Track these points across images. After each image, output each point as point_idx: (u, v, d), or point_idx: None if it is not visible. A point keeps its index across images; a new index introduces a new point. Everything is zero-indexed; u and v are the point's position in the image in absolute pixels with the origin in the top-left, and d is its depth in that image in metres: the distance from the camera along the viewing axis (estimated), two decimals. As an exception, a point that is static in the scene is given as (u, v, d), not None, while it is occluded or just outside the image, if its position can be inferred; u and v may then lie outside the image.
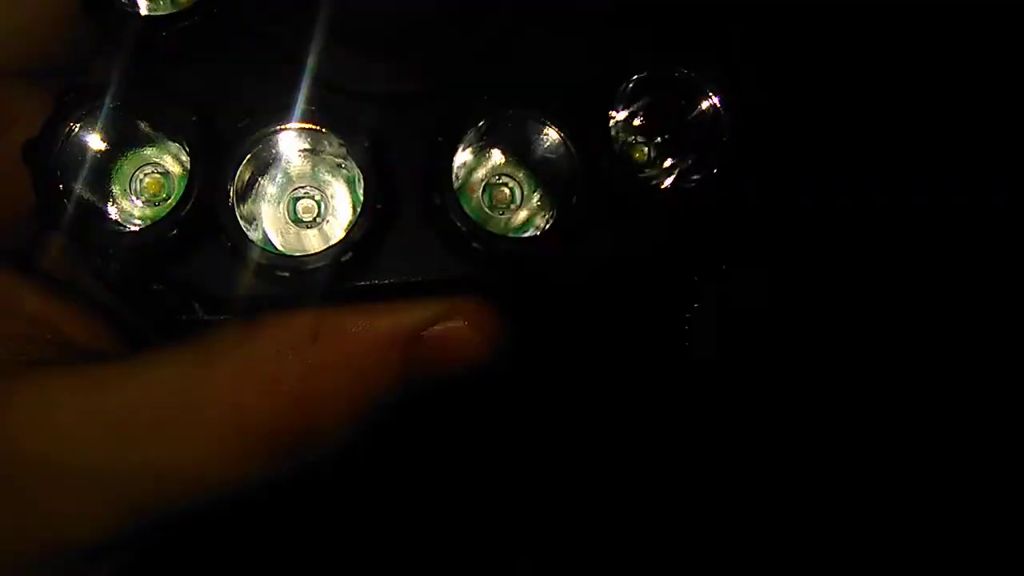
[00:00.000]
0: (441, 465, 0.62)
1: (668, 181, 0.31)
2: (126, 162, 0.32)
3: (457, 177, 0.30)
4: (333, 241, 0.29)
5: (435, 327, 0.33)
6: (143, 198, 0.32)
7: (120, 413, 0.32)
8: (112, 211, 0.32)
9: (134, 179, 0.32)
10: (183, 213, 0.29)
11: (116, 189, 0.32)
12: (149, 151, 0.32)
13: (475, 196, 0.32)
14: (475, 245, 0.30)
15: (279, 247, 0.30)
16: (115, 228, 0.31)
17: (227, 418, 0.32)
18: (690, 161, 0.31)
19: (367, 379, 0.33)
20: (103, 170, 0.31)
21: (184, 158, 0.30)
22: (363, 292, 0.32)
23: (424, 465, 0.62)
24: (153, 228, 0.29)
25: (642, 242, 0.33)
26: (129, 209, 0.32)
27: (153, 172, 0.32)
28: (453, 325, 0.33)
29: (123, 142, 0.31)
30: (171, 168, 0.32)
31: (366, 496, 0.60)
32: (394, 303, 0.33)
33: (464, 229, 0.29)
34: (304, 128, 0.29)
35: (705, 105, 0.31)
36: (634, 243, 0.33)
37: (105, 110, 0.30)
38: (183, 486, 0.33)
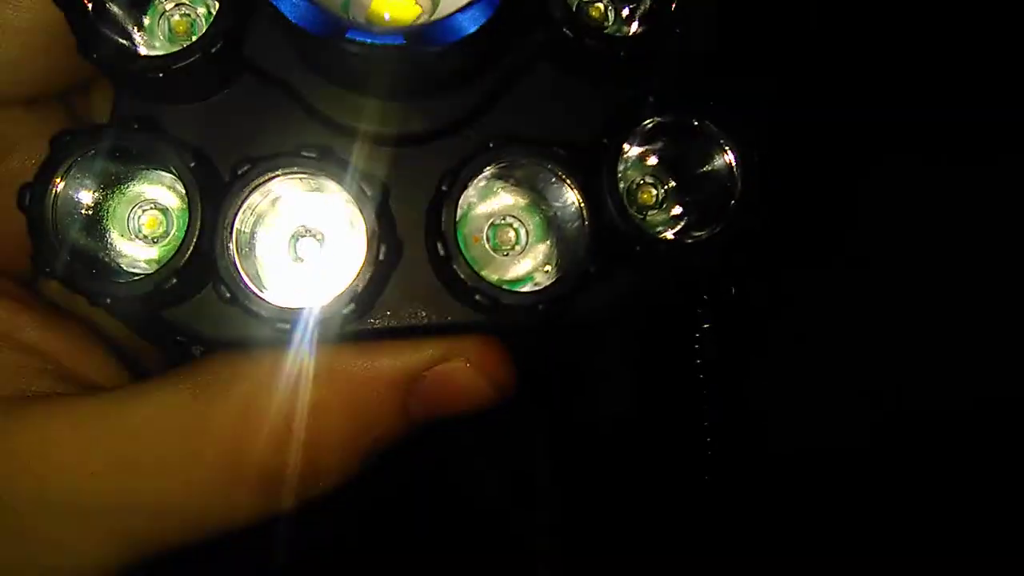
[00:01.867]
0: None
1: (671, 232, 0.30)
2: (122, 201, 0.30)
3: (461, 207, 0.29)
4: (335, 290, 0.28)
5: (437, 368, 0.32)
6: (142, 236, 0.31)
7: (118, 448, 0.32)
8: (111, 254, 0.30)
9: (131, 219, 0.30)
10: (182, 264, 0.28)
11: (114, 231, 0.30)
12: (144, 187, 0.31)
13: (479, 235, 0.31)
14: (477, 298, 0.28)
15: (277, 291, 0.29)
16: (115, 272, 0.30)
17: (223, 454, 0.31)
18: (696, 215, 0.30)
19: (366, 419, 0.32)
20: (99, 213, 0.30)
21: (180, 189, 0.29)
22: (364, 334, 0.31)
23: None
24: (150, 278, 0.28)
25: (646, 283, 0.32)
26: (130, 251, 0.31)
27: (151, 209, 0.31)
28: (455, 366, 0.32)
29: (118, 182, 0.30)
30: (168, 203, 0.31)
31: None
32: (395, 343, 0.32)
33: (467, 280, 0.28)
34: (306, 175, 0.28)
35: (721, 160, 0.30)
36: (637, 285, 0.32)
37: (101, 153, 0.28)
38: (180, 521, 0.33)
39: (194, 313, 0.31)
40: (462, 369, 0.32)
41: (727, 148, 0.29)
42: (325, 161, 0.28)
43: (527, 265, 0.31)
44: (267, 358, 0.32)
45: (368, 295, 0.29)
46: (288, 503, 0.33)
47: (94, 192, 0.30)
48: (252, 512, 0.33)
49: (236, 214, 0.28)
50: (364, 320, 0.31)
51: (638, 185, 0.31)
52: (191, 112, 0.30)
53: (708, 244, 0.29)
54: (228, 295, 0.28)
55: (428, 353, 0.32)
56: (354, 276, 0.28)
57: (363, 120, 0.29)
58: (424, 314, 0.31)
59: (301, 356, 0.31)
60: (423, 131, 0.30)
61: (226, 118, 0.31)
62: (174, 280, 0.28)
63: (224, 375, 0.32)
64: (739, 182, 0.29)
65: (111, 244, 0.30)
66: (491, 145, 0.29)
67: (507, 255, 0.31)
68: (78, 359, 0.36)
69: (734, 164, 0.29)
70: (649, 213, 0.31)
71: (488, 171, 0.29)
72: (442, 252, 0.28)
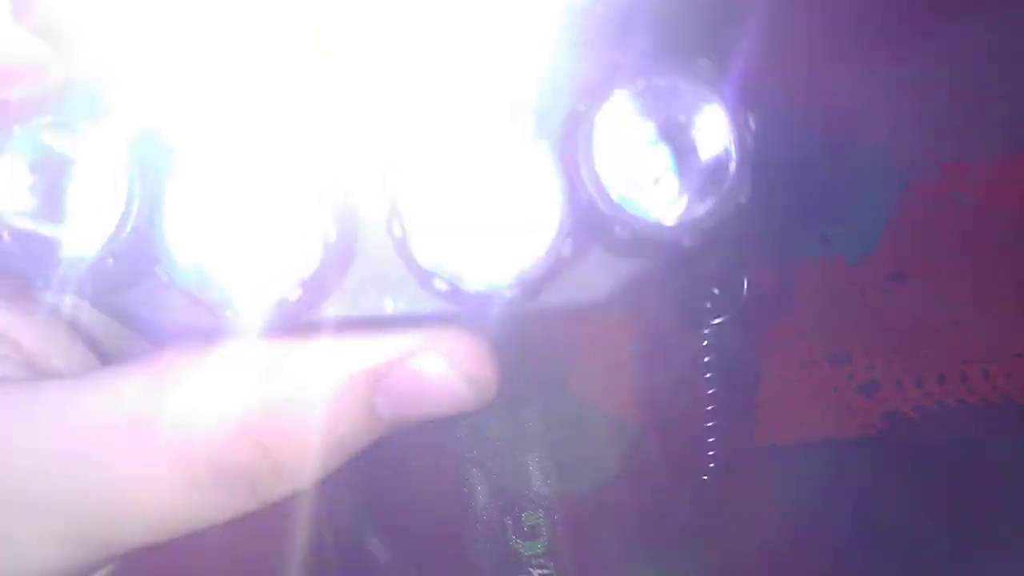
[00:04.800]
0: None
1: (669, 215, 0.26)
2: (63, 177, 0.27)
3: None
4: (285, 276, 0.25)
5: (405, 363, 0.29)
6: (80, 215, 0.27)
7: (67, 439, 0.29)
8: (51, 235, 0.27)
9: (73, 196, 0.27)
10: (118, 243, 0.24)
11: (55, 209, 0.27)
12: (86, 161, 0.27)
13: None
14: (436, 284, 0.25)
15: (221, 277, 0.26)
16: (55, 254, 0.26)
17: (173, 448, 0.28)
18: (692, 194, 0.26)
19: (330, 416, 0.29)
20: (39, 191, 0.27)
21: (120, 169, 0.25)
22: (327, 325, 0.28)
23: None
24: (85, 260, 0.25)
25: (640, 271, 0.28)
26: (70, 232, 0.27)
27: (93, 185, 0.27)
28: (426, 362, 0.29)
29: (57, 157, 0.27)
30: (114, 180, 0.27)
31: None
32: (361, 336, 0.29)
33: (425, 267, 0.25)
34: (250, 145, 0.25)
35: (714, 128, 0.26)
36: (630, 273, 0.28)
37: (37, 128, 0.25)
38: (133, 519, 0.30)
39: (145, 299, 0.28)
40: (434, 365, 0.29)
41: (720, 113, 0.26)
42: (271, 133, 0.25)
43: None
44: (224, 348, 0.29)
45: (322, 281, 0.25)
46: (249, 503, 0.30)
47: (31, 169, 0.26)
48: (209, 511, 0.30)
49: (175, 189, 0.24)
50: (320, 310, 0.28)
51: (628, 163, 0.28)
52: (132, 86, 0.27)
53: (697, 223, 0.25)
54: (166, 277, 0.24)
55: (395, 346, 0.29)
56: (303, 261, 0.25)
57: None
58: (391, 304, 0.28)
59: (259, 347, 0.28)
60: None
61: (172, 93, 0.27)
62: (110, 261, 0.24)
63: (179, 365, 0.29)
64: (733, 151, 0.25)
65: (51, 224, 0.27)
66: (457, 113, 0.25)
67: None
68: (42, 345, 0.33)
69: (728, 131, 0.25)
70: (643, 194, 0.27)
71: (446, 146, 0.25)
72: (398, 234, 0.25)
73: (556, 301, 0.28)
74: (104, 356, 0.36)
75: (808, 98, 0.75)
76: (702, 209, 0.26)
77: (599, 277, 0.28)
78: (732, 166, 0.25)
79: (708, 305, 0.51)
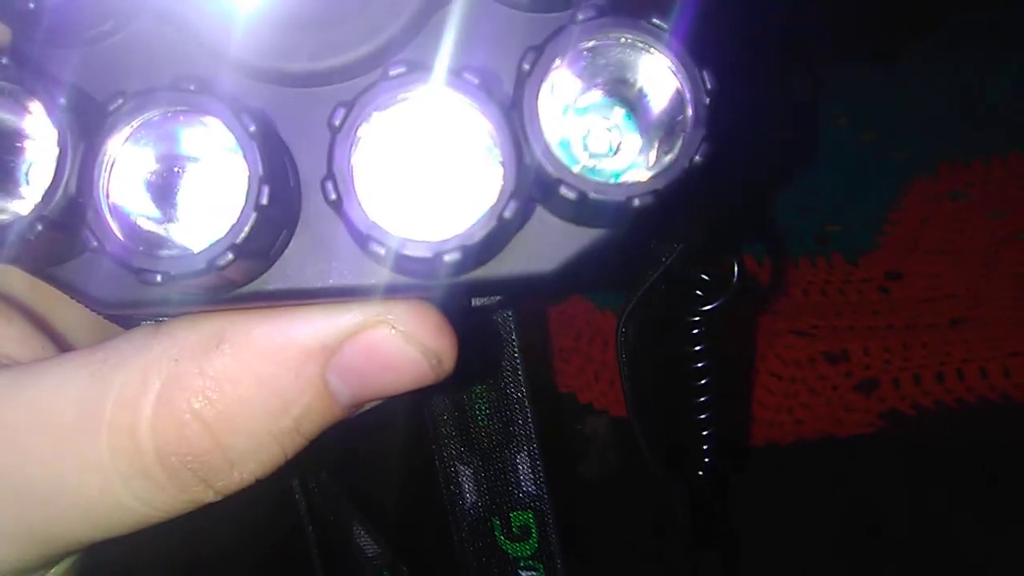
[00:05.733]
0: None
1: (618, 173, 0.25)
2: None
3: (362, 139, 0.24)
4: (213, 240, 0.23)
5: (358, 336, 0.27)
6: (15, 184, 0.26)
7: (12, 428, 0.27)
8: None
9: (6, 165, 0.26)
10: (47, 210, 0.23)
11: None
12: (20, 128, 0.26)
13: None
14: (373, 248, 0.23)
15: (150, 241, 0.24)
16: None
17: (118, 437, 0.27)
18: (644, 156, 0.25)
19: (280, 397, 0.27)
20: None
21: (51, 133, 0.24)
22: (263, 296, 0.26)
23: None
24: (10, 227, 0.23)
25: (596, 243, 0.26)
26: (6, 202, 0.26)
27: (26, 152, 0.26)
28: (380, 334, 0.27)
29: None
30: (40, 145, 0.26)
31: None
32: (312, 308, 0.27)
33: (364, 231, 0.23)
34: (182, 111, 0.24)
35: (670, 88, 0.24)
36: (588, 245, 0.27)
37: None
38: (82, 513, 0.28)
39: (82, 270, 0.26)
40: (388, 337, 0.27)
41: (675, 72, 0.24)
42: (204, 94, 0.23)
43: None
44: (168, 328, 0.27)
45: (256, 247, 0.24)
46: (204, 494, 0.28)
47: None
48: (163, 503, 0.28)
49: (106, 153, 0.23)
50: (263, 282, 0.26)
51: (576, 123, 0.26)
52: (66, 54, 0.26)
53: (647, 185, 0.24)
54: (94, 243, 0.23)
55: (347, 319, 0.27)
56: (232, 223, 0.23)
57: (251, 51, 0.25)
58: (340, 276, 0.26)
59: (204, 325, 0.27)
60: (323, 68, 0.25)
61: (116, 59, 0.26)
62: (39, 228, 0.23)
63: (124, 350, 0.27)
64: (689, 111, 0.24)
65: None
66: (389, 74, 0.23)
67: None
68: None
69: (684, 90, 0.24)
70: (601, 160, 0.25)
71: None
72: (332, 196, 0.23)
73: (507, 272, 0.26)
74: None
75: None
76: (653, 170, 0.24)
77: (551, 247, 0.26)
78: (687, 125, 0.24)
79: (698, 292, 0.49)
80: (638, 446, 0.53)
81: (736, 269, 0.48)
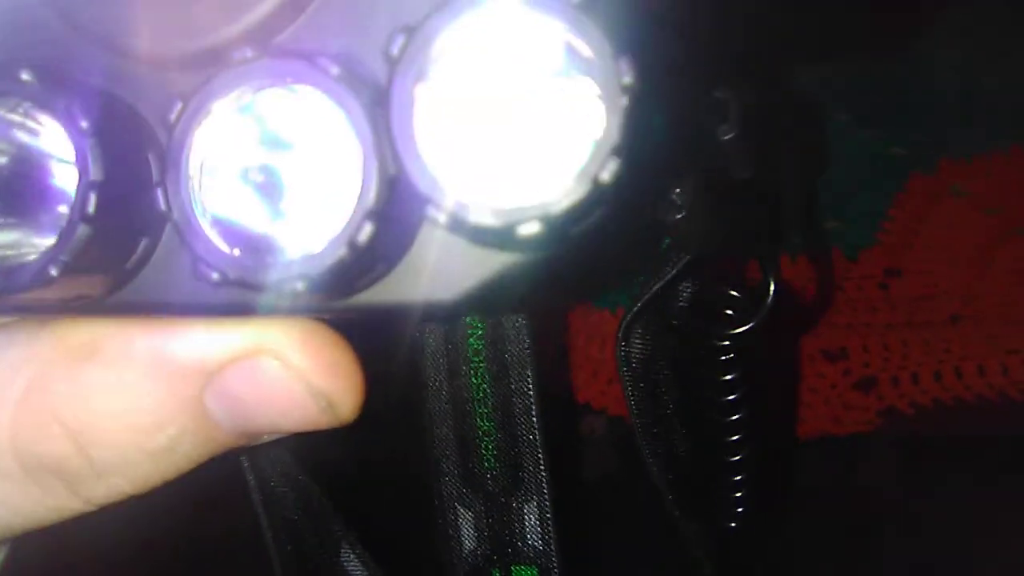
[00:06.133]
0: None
1: (503, 193, 0.20)
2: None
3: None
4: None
5: (239, 362, 0.25)
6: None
7: None
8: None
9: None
10: None
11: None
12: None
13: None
14: (218, 276, 0.21)
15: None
16: None
17: None
18: (537, 172, 0.21)
19: (154, 414, 0.25)
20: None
21: None
22: (143, 309, 0.24)
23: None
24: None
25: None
26: None
27: None
28: (262, 364, 0.25)
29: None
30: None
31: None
32: (197, 323, 0.25)
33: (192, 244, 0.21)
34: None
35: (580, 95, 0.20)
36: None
37: None
38: None
39: None
40: (271, 370, 0.24)
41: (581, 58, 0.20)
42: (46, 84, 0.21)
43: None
44: (47, 329, 0.26)
45: (90, 260, 0.22)
46: (71, 501, 0.26)
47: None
48: (28, 508, 0.26)
49: None
50: (131, 291, 0.24)
51: (450, 131, 0.22)
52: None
53: (547, 206, 0.20)
54: None
55: (229, 339, 0.24)
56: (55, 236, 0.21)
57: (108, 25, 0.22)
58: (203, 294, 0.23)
59: (85, 330, 0.25)
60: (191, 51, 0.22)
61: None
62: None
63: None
64: (600, 113, 0.20)
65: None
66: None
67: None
68: None
69: (593, 84, 0.20)
70: (477, 168, 0.22)
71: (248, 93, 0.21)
72: (163, 206, 0.21)
73: (407, 298, 0.23)
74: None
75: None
76: (554, 193, 0.20)
77: (457, 274, 0.22)
78: (595, 132, 0.20)
79: (728, 312, 0.43)
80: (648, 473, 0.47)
81: (771, 285, 0.42)
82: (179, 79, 0.22)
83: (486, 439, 0.46)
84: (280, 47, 0.21)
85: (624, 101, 0.19)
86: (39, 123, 0.22)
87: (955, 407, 0.79)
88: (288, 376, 0.25)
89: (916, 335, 0.82)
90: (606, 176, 0.20)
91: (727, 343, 0.43)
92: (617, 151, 0.20)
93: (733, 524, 0.48)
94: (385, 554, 0.50)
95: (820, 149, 0.89)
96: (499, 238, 0.21)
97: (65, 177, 0.22)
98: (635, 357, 0.45)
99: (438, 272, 0.22)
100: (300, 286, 0.21)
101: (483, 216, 0.20)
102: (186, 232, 0.21)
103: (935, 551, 0.75)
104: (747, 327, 0.42)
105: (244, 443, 0.27)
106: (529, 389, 0.44)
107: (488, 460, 0.46)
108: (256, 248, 0.22)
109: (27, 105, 0.21)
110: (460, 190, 0.20)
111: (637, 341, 0.45)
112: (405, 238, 0.22)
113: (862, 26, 0.85)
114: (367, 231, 0.20)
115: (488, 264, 0.22)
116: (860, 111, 0.90)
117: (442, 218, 0.20)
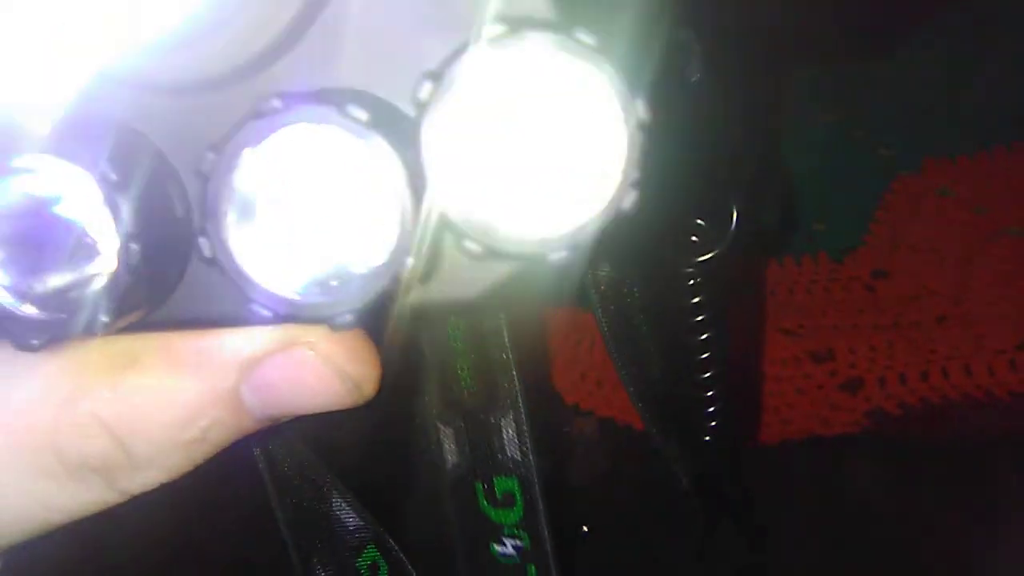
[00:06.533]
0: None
1: (527, 220, 0.22)
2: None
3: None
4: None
5: (277, 354, 0.27)
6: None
7: None
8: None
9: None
10: None
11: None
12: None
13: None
14: (256, 308, 0.22)
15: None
16: None
17: (20, 438, 0.27)
18: (559, 203, 0.22)
19: (191, 407, 0.27)
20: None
21: None
22: (181, 324, 0.26)
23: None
24: None
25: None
26: None
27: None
28: (298, 355, 0.27)
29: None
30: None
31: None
32: (224, 329, 0.27)
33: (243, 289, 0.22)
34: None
35: (602, 127, 0.21)
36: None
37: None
38: None
39: None
40: (306, 359, 0.27)
41: (605, 97, 0.21)
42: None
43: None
44: (87, 344, 0.27)
45: (135, 300, 0.23)
46: (108, 495, 0.28)
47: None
48: (66, 504, 0.28)
49: None
50: (169, 310, 0.25)
51: (473, 160, 0.22)
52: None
53: (566, 238, 0.21)
54: None
55: (268, 338, 0.27)
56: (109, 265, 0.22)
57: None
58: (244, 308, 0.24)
59: (123, 342, 0.26)
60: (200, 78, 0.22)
61: None
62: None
63: (24, 355, 0.26)
64: (624, 145, 0.21)
65: None
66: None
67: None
68: None
69: (612, 121, 0.21)
70: (498, 198, 0.23)
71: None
72: (207, 252, 0.22)
73: (431, 299, 0.24)
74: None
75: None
76: (576, 221, 0.22)
77: (474, 275, 0.24)
78: (614, 165, 0.21)
79: (694, 239, 0.47)
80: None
81: (735, 213, 0.46)
82: (192, 107, 0.23)
83: (461, 359, 0.49)
84: (306, 94, 0.21)
85: (642, 137, 0.21)
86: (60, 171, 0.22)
87: (942, 408, 0.79)
88: (321, 363, 0.27)
89: (903, 336, 0.82)
90: (627, 205, 0.21)
91: (694, 269, 0.47)
92: (636, 184, 0.21)
93: (708, 437, 0.52)
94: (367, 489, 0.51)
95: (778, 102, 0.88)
96: (520, 259, 0.23)
97: (92, 221, 0.22)
98: (604, 282, 0.48)
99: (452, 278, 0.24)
100: (349, 318, 0.23)
101: (513, 246, 0.22)
102: (239, 281, 0.22)
103: (922, 551, 0.75)
104: (712, 254, 0.45)
105: (267, 425, 0.29)
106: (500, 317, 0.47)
107: (464, 379, 0.49)
108: (303, 285, 0.23)
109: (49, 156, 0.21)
110: (489, 223, 0.22)
111: (607, 269, 0.48)
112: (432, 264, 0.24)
113: (848, 27, 0.85)
114: (408, 266, 0.22)
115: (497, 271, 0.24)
116: (846, 112, 0.90)
117: (476, 248, 0.22)
